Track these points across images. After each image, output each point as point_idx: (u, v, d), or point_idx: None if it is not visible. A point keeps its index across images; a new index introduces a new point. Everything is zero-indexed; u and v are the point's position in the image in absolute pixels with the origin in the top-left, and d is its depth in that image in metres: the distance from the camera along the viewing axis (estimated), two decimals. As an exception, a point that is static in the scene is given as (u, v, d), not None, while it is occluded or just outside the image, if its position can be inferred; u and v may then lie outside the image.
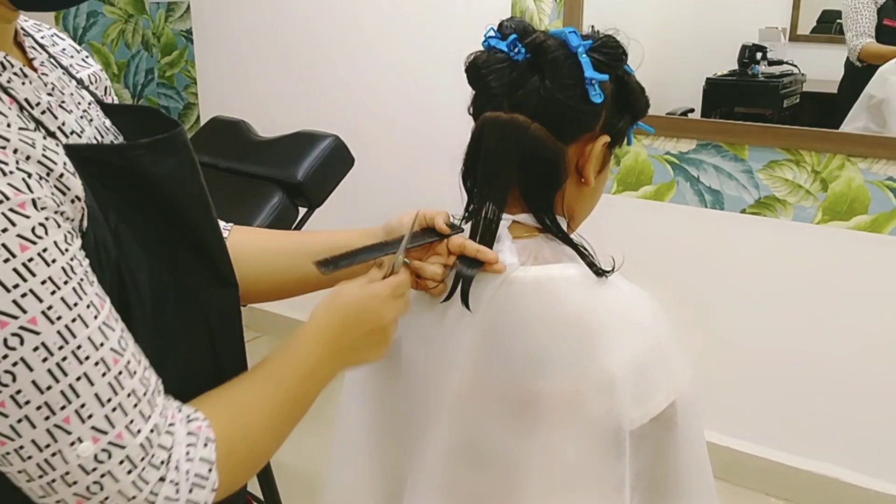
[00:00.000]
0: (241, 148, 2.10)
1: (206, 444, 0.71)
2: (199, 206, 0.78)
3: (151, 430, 0.67)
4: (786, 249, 2.21)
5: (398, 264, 0.92)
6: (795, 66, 2.49)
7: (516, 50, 0.93)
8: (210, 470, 0.70)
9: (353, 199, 2.33)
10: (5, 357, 0.58)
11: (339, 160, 2.05)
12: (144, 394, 0.67)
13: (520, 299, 0.92)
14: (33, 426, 0.60)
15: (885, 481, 2.20)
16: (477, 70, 0.95)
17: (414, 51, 2.65)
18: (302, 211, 2.04)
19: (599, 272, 0.95)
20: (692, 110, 2.49)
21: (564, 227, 0.99)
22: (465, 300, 0.93)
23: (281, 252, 1.06)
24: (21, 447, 0.61)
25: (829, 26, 2.47)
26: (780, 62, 2.49)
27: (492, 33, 0.96)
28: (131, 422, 0.65)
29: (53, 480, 0.63)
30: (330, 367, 0.86)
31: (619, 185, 2.39)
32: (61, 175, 0.63)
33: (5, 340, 0.58)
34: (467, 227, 1.00)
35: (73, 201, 0.64)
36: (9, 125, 0.61)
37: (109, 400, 0.63)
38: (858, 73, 2.31)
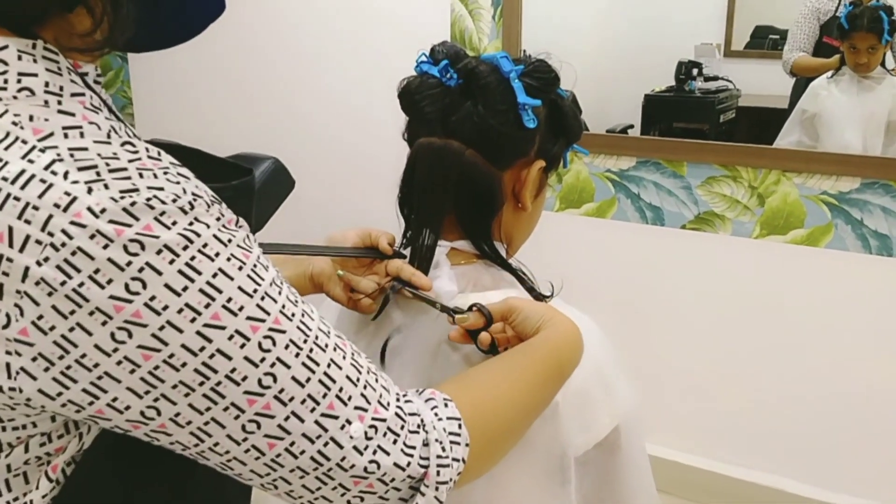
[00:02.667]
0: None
1: (446, 405, 0.73)
2: None
3: (397, 400, 0.69)
4: (726, 264, 2.24)
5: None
6: (731, 81, 2.53)
7: (448, 75, 0.92)
8: (460, 426, 0.72)
9: (295, 223, 2.30)
10: (263, 360, 0.60)
11: (279, 183, 2.00)
12: (377, 369, 0.70)
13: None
14: (301, 420, 0.62)
15: (831, 491, 2.22)
16: (410, 96, 0.94)
17: (354, 70, 2.64)
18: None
19: (539, 297, 0.94)
20: (632, 126, 2.51)
21: (503, 252, 0.98)
22: (378, 313, 0.95)
23: None
24: (292, 443, 0.63)
25: (762, 41, 2.52)
26: (715, 78, 2.53)
27: (424, 58, 0.95)
28: (380, 396, 0.67)
29: (330, 469, 0.64)
30: (558, 378, 0.87)
31: (562, 202, 2.40)
32: (226, 207, 0.64)
33: (259, 344, 0.60)
34: (408, 252, 0.99)
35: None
36: (172, 162, 0.62)
37: (357, 379, 0.66)
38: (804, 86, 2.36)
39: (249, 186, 0.73)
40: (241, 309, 0.59)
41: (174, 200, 0.57)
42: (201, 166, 0.71)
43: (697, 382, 2.34)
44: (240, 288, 0.59)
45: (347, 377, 0.65)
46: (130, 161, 0.57)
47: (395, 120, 1.00)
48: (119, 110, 3.41)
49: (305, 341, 0.62)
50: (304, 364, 0.62)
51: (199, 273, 0.57)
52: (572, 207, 2.39)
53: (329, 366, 0.64)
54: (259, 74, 2.84)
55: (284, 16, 2.74)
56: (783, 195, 2.12)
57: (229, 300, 0.58)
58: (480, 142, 0.91)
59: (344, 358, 0.65)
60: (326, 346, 0.64)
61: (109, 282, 0.54)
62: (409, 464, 0.67)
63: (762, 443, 2.30)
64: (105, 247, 0.54)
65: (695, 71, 2.52)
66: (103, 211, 0.54)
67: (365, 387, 0.66)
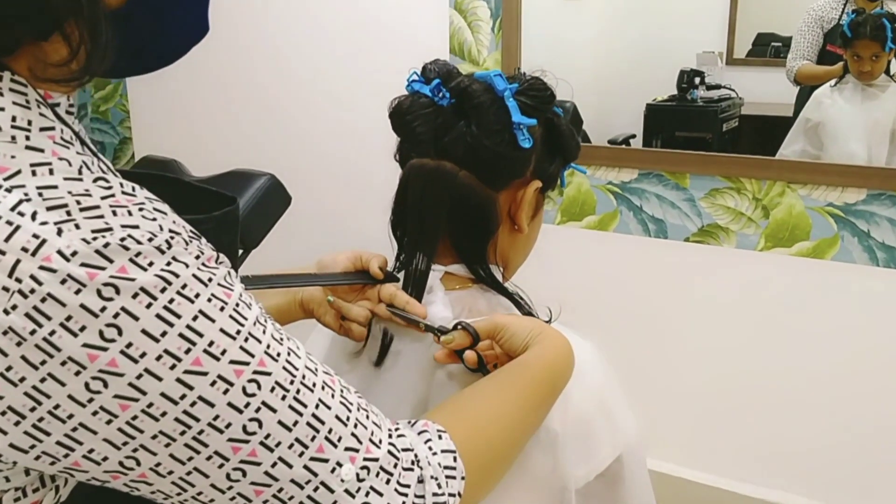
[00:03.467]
0: (172, 189, 2.03)
1: (440, 436, 0.70)
2: None
3: (389, 436, 0.67)
4: (730, 277, 2.21)
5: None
6: (733, 90, 2.51)
7: (441, 95, 0.89)
8: (455, 458, 0.70)
9: (291, 240, 2.28)
10: (247, 405, 0.58)
11: (274, 200, 1.99)
12: (367, 405, 0.67)
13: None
14: (289, 466, 0.60)
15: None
16: (401, 116, 0.92)
17: (352, 86, 2.62)
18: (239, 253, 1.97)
19: (537, 323, 0.91)
20: (634, 136, 2.49)
21: (499, 276, 0.95)
22: (380, 359, 0.90)
23: None
24: (280, 489, 0.60)
25: (764, 49, 2.50)
26: (717, 86, 2.52)
27: (415, 77, 0.92)
28: (372, 433, 0.65)
29: None
30: (551, 394, 0.85)
31: (563, 215, 2.37)
32: (206, 243, 0.62)
33: (244, 388, 0.57)
34: (402, 275, 0.96)
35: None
36: (149, 197, 0.59)
37: (348, 418, 0.64)
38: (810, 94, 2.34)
39: (233, 217, 0.70)
40: (223, 352, 0.57)
41: (150, 239, 0.55)
42: (182, 197, 0.69)
43: (703, 396, 2.31)
44: (222, 330, 0.57)
45: (337, 417, 0.63)
46: (103, 198, 0.55)
47: (394, 136, 0.97)
48: (117, 124, 3.42)
49: (292, 382, 0.60)
50: (290, 407, 0.60)
51: (179, 316, 0.55)
52: (573, 220, 2.36)
53: (317, 406, 0.61)
54: (257, 89, 2.83)
55: (282, 30, 2.72)
56: (788, 207, 2.09)
57: (211, 344, 0.56)
58: (474, 163, 0.89)
59: (333, 396, 0.63)
60: (314, 385, 0.62)
61: (82, 329, 0.52)
62: (403, 503, 0.65)
63: (768, 458, 2.27)
64: (77, 292, 0.52)
65: (697, 80, 2.50)
66: (74, 254, 0.52)
67: (356, 425, 0.64)
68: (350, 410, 0.64)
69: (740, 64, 2.51)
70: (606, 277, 2.36)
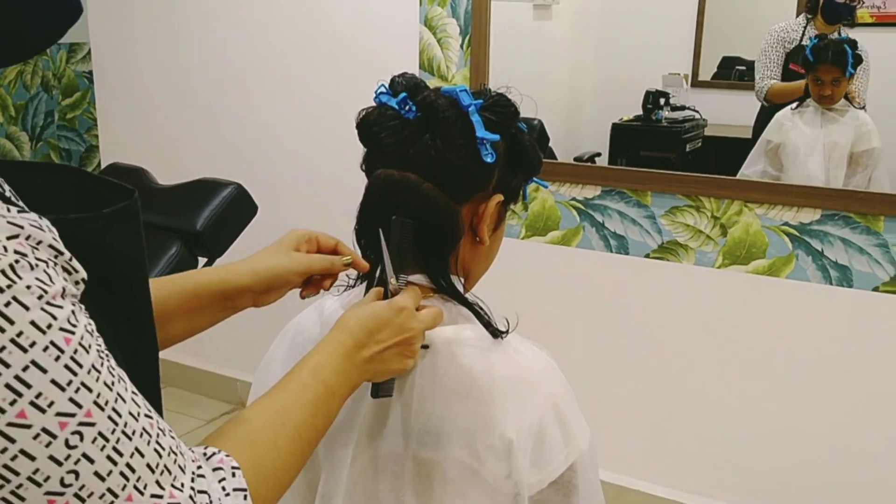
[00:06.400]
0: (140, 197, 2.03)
1: (233, 474, 0.69)
2: (142, 279, 0.73)
3: (192, 480, 0.65)
4: (688, 293, 2.25)
5: (396, 285, 0.91)
6: (697, 111, 2.56)
7: (407, 108, 0.91)
8: (245, 497, 0.69)
9: (257, 249, 2.28)
10: (67, 458, 0.55)
11: (240, 209, 2.01)
12: (177, 447, 0.65)
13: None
14: None
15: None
16: (368, 128, 0.93)
17: (321, 97, 2.63)
18: (202, 261, 1.98)
19: (496, 333, 0.93)
20: (599, 154, 2.53)
21: (460, 287, 0.97)
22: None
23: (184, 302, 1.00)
24: None
25: (728, 72, 2.55)
26: (682, 108, 2.56)
27: (383, 89, 0.94)
28: (174, 478, 0.63)
29: None
30: (351, 379, 0.85)
31: (527, 230, 2.40)
32: (70, 258, 0.58)
33: (66, 441, 0.55)
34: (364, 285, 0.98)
35: (77, 283, 0.60)
36: (8, 209, 0.55)
37: (157, 465, 0.62)
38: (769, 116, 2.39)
39: (130, 212, 0.67)
40: (51, 405, 0.54)
41: None
42: (78, 188, 0.68)
43: (658, 410, 2.34)
44: (53, 381, 0.54)
45: (147, 465, 0.61)
46: None
47: (362, 146, 0.99)
48: (84, 132, 3.39)
49: (113, 431, 0.58)
50: (108, 457, 0.58)
51: (8, 366, 0.52)
52: (538, 235, 2.39)
53: (132, 455, 0.60)
54: (226, 97, 2.82)
55: (253, 40, 2.73)
56: (745, 225, 2.14)
57: (39, 395, 0.53)
58: (438, 175, 0.90)
59: (148, 443, 0.62)
60: (133, 432, 0.60)
61: None
62: None
63: (720, 471, 2.30)
64: None
65: (662, 100, 2.55)
66: None
67: (162, 472, 0.62)
68: (161, 456, 0.63)
69: (705, 86, 2.57)
70: (568, 291, 2.38)
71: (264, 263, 1.00)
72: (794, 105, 2.32)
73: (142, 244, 0.73)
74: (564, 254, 2.37)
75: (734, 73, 2.54)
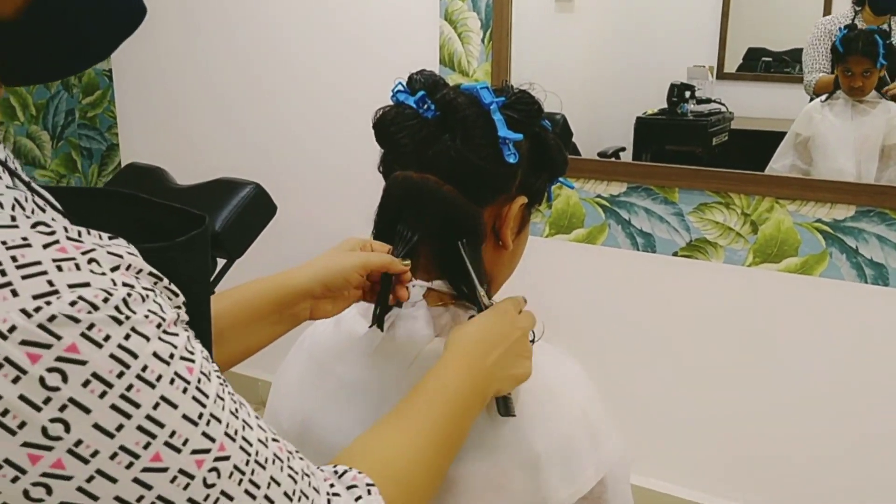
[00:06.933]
0: (157, 197, 2.01)
1: (369, 492, 0.66)
2: (208, 302, 0.68)
3: (328, 501, 0.62)
4: (718, 292, 2.20)
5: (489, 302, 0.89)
6: (723, 104, 2.51)
7: (425, 107, 0.87)
8: None
9: (277, 250, 2.26)
10: (206, 498, 0.51)
11: (259, 209, 1.98)
12: (308, 468, 0.62)
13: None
14: None
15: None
16: (385, 128, 0.89)
17: (341, 94, 2.61)
18: (221, 262, 1.96)
19: (523, 341, 0.89)
20: (623, 149, 2.49)
21: (483, 292, 0.93)
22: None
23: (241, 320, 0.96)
24: None
25: (755, 64, 2.50)
26: (708, 100, 2.52)
27: (400, 88, 0.90)
28: (311, 501, 0.60)
29: None
30: (481, 391, 0.81)
31: (551, 228, 2.36)
32: (169, 283, 0.55)
33: (204, 480, 0.51)
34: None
35: (178, 308, 0.56)
36: (99, 235, 0.51)
37: (294, 491, 0.59)
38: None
39: (201, 240, 0.63)
40: (185, 443, 0.50)
41: (105, 300, 0.47)
42: (145, 216, 0.64)
43: (689, 412, 2.30)
44: (184, 416, 0.50)
45: (285, 493, 0.58)
46: (45, 247, 0.46)
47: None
48: (105, 130, 3.39)
49: (247, 463, 0.55)
50: (246, 491, 0.54)
51: (138, 406, 0.48)
52: (562, 233, 2.35)
53: (269, 485, 0.56)
54: (245, 98, 2.82)
55: (272, 38, 2.71)
56: (776, 222, 2.09)
57: (172, 434, 0.49)
58: (458, 177, 0.86)
59: (282, 470, 0.59)
60: (266, 460, 0.57)
61: (22, 426, 0.45)
62: None
63: (755, 474, 2.25)
64: (15, 380, 0.44)
65: (687, 93, 2.50)
66: (12, 329, 0.44)
67: (300, 499, 0.59)
68: (296, 482, 0.60)
69: (731, 78, 2.52)
70: (594, 291, 2.34)
71: (319, 264, 0.92)
72: (823, 97, 2.26)
73: (209, 268, 0.69)
74: (590, 252, 2.33)
75: (760, 64, 2.49)
